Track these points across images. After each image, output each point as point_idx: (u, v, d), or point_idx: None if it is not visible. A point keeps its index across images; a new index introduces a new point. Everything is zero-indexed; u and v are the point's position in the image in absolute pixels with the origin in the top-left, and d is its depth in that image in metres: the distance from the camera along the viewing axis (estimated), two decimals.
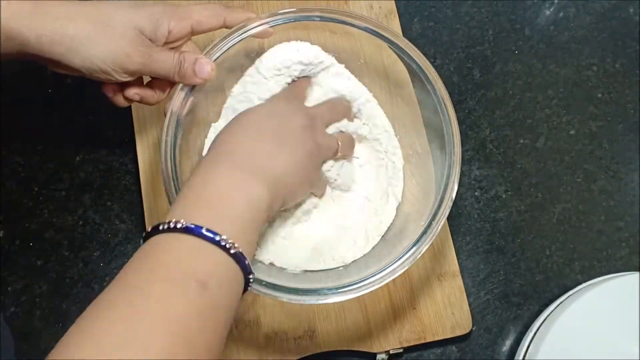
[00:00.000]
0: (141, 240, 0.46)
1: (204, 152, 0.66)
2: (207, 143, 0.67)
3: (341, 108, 0.65)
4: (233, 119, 0.55)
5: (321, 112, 0.62)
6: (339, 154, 0.62)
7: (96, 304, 0.41)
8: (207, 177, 0.49)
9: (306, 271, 0.64)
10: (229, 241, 0.44)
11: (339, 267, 0.65)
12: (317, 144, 0.58)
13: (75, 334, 0.40)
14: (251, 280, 0.47)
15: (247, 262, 0.45)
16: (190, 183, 0.49)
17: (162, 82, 0.61)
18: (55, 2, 0.54)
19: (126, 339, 0.38)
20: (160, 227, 0.44)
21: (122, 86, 0.60)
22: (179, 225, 0.44)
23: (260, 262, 0.61)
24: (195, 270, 0.42)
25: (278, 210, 0.56)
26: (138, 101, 0.60)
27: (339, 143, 0.61)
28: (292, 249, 0.64)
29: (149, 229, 0.45)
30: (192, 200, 0.47)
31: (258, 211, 0.49)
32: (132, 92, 0.59)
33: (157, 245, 0.44)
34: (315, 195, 0.65)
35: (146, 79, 0.62)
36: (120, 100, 0.60)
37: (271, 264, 0.63)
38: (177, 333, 0.39)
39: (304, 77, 0.65)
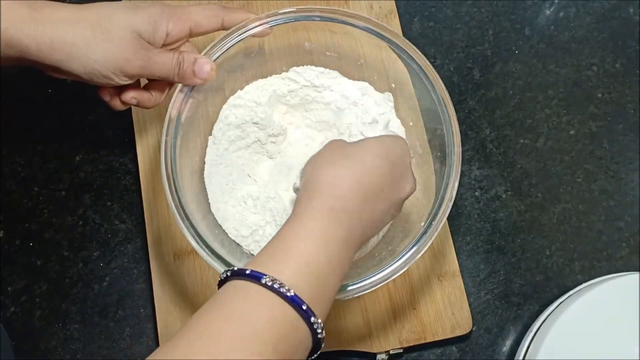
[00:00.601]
0: (226, 272, 0.44)
1: (207, 153, 0.66)
2: (210, 142, 0.67)
3: None
4: (356, 150, 0.51)
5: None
6: None
7: (178, 346, 0.40)
8: (311, 235, 0.46)
9: None
10: (321, 326, 0.43)
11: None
12: (398, 214, 0.56)
13: None
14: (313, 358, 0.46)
15: (322, 346, 0.45)
16: (292, 233, 0.46)
17: (161, 84, 0.61)
18: (54, 8, 0.53)
19: None
20: (263, 281, 0.42)
21: (119, 90, 0.60)
22: (286, 292, 0.42)
23: None
24: (286, 349, 0.41)
25: None
26: (135, 105, 0.60)
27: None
28: None
29: (250, 269, 0.43)
30: (292, 259, 0.44)
31: (340, 284, 0.48)
32: (129, 96, 0.59)
33: (256, 303, 0.42)
34: None
35: (143, 82, 0.61)
36: (117, 104, 0.60)
37: None
38: None
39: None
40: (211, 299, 0.43)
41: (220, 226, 0.65)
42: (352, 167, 0.49)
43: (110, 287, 0.71)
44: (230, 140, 0.67)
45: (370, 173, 0.49)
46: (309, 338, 0.43)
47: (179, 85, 0.59)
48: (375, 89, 0.69)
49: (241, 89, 0.68)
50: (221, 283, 0.45)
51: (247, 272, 0.43)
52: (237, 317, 0.41)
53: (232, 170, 0.67)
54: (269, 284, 0.42)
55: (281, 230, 0.47)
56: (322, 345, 0.45)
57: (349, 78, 0.69)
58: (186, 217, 0.56)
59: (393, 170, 0.52)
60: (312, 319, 0.43)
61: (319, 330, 0.43)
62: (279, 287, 0.42)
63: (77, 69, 0.54)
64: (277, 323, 0.41)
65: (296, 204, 0.48)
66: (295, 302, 0.42)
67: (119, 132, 0.75)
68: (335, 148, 0.52)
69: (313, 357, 0.46)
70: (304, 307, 0.42)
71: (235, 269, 0.44)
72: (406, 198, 0.55)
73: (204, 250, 0.55)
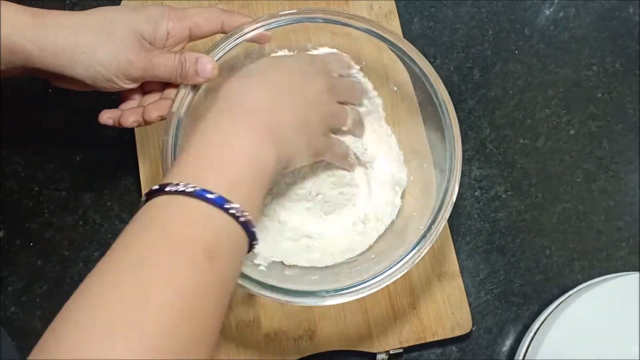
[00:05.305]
0: (142, 200, 0.44)
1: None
2: None
3: (359, 92, 0.65)
4: (254, 65, 0.55)
5: (340, 85, 0.61)
6: (348, 127, 0.62)
7: (99, 273, 0.39)
8: (214, 134, 0.46)
9: (305, 268, 0.64)
10: (240, 209, 0.43)
11: (342, 263, 0.65)
12: (329, 111, 0.57)
13: (75, 310, 0.37)
14: (254, 245, 0.45)
15: (253, 230, 0.44)
16: (195, 141, 0.46)
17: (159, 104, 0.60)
18: (55, 14, 0.53)
19: (131, 319, 0.36)
20: (167, 189, 0.42)
21: (122, 97, 0.60)
22: (189, 189, 0.42)
23: (260, 264, 0.61)
24: (205, 240, 0.41)
25: (281, 171, 0.53)
26: (137, 126, 0.59)
27: (349, 115, 0.61)
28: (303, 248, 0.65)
29: (153, 187, 0.43)
30: (198, 161, 0.45)
31: (266, 173, 0.47)
32: (130, 121, 0.58)
33: (163, 208, 0.42)
34: (343, 168, 0.64)
35: (145, 99, 0.61)
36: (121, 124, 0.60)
37: (275, 262, 0.63)
38: (181, 310, 0.38)
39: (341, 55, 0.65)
40: (135, 218, 0.42)
41: None
42: (249, 72, 0.53)
43: None
44: None
45: (263, 72, 0.53)
46: (234, 228, 0.43)
47: (180, 85, 0.59)
48: (375, 89, 0.69)
49: None
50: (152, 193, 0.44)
51: (194, 188, 0.42)
52: (160, 222, 0.41)
53: None
54: (180, 189, 0.42)
55: (200, 134, 0.47)
56: (255, 234, 0.44)
57: None
58: None
59: (292, 69, 0.55)
60: (227, 205, 0.42)
61: (238, 214, 0.43)
62: (186, 187, 0.42)
63: (81, 74, 0.54)
64: (196, 222, 0.41)
65: (211, 113, 0.49)
66: (204, 197, 0.42)
67: (120, 131, 0.75)
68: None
69: (252, 250, 0.46)
70: (214, 197, 0.42)
71: (154, 187, 0.43)
72: (319, 90, 0.56)
73: None
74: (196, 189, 0.42)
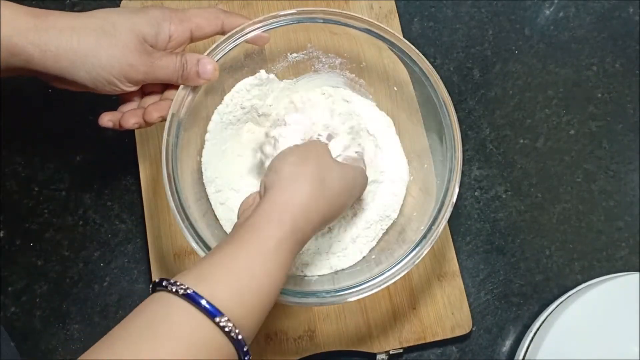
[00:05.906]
0: (151, 287, 0.45)
1: (204, 153, 0.66)
2: (207, 141, 0.67)
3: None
4: (309, 168, 0.52)
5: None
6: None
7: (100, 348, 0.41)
8: (246, 251, 0.47)
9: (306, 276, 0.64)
10: (242, 339, 0.44)
11: (343, 268, 0.65)
12: (360, 180, 0.58)
13: None
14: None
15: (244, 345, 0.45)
16: (228, 248, 0.47)
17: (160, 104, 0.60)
18: (57, 16, 0.53)
19: None
20: (182, 291, 0.43)
21: (122, 99, 0.60)
22: (204, 305, 0.42)
23: None
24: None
25: None
26: (138, 127, 0.59)
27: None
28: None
29: (189, 289, 0.43)
30: (223, 277, 0.45)
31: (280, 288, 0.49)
32: (131, 123, 0.58)
33: (168, 310, 0.43)
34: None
35: (145, 101, 0.61)
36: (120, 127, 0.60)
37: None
38: None
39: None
40: (142, 308, 0.43)
41: (221, 226, 0.65)
42: (314, 193, 0.50)
43: (111, 287, 0.71)
44: (226, 139, 0.67)
45: (328, 205, 0.51)
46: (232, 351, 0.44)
47: (180, 86, 0.59)
48: (375, 89, 0.69)
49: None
50: (155, 285, 0.45)
51: (190, 291, 0.43)
52: (173, 337, 0.41)
53: (230, 170, 0.67)
54: (189, 293, 0.42)
55: (227, 244, 0.47)
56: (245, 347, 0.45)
57: (349, 77, 0.69)
58: (186, 218, 0.56)
59: (346, 202, 0.55)
60: (247, 358, 0.44)
61: (243, 344, 0.44)
62: (198, 299, 0.42)
63: (83, 77, 0.54)
64: (199, 340, 0.42)
65: (254, 215, 0.49)
66: (238, 343, 0.43)
67: (119, 132, 0.75)
68: (307, 158, 0.53)
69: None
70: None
71: (182, 290, 0.43)
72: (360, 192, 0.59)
73: (203, 251, 0.55)
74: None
